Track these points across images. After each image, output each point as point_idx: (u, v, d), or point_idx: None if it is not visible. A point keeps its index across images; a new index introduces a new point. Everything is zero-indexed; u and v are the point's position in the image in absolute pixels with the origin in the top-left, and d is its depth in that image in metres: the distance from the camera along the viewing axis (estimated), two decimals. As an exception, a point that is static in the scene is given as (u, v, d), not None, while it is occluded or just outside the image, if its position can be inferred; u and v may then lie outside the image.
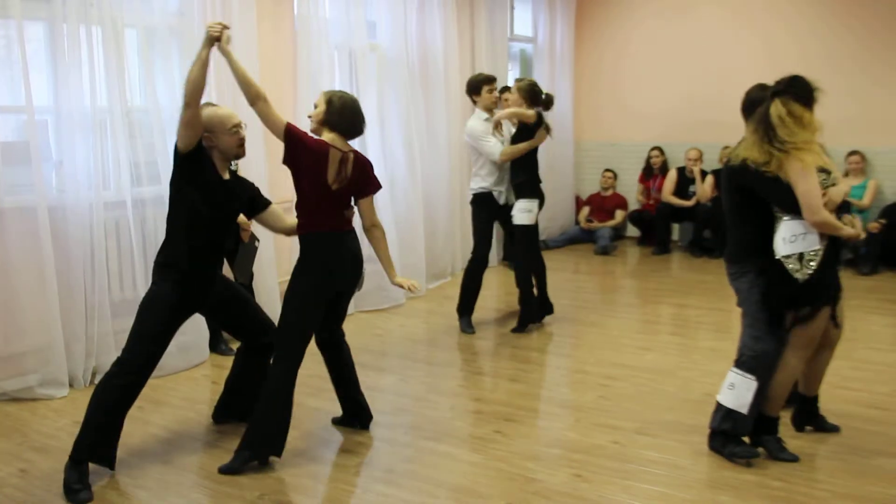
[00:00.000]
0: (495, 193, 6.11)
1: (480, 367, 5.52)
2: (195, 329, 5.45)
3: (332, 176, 3.90)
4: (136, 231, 5.27)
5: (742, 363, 3.89)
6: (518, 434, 4.32)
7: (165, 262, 3.86)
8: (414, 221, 7.40)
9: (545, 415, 4.64)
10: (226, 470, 3.81)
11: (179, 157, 3.80)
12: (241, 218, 4.79)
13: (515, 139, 6.03)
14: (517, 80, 6.26)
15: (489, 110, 6.16)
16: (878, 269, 8.03)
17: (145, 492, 3.68)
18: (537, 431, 4.38)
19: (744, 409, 3.86)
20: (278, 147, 5.92)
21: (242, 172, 5.74)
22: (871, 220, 8.18)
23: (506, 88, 8.64)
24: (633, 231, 10.04)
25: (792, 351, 3.88)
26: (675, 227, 9.72)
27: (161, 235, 5.34)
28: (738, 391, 3.86)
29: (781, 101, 3.70)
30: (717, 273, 8.17)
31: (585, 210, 10.07)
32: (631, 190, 10.03)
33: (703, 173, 9.22)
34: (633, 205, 9.98)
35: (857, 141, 8.42)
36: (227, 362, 5.46)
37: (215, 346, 5.64)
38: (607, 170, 10.11)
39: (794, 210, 3.70)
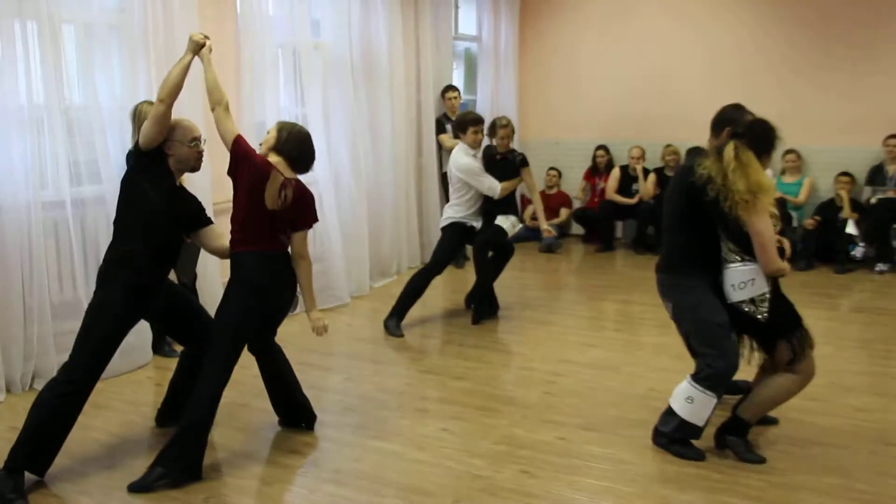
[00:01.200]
0: (472, 223, 6.35)
1: (427, 365, 5.53)
2: (138, 331, 5.35)
3: (271, 198, 3.87)
4: (76, 231, 5.16)
5: (702, 379, 3.87)
6: (465, 431, 4.34)
7: (120, 261, 3.75)
8: (359, 220, 7.38)
9: (491, 412, 4.67)
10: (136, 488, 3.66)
11: (140, 153, 3.74)
12: None
13: (490, 168, 6.29)
14: (504, 119, 6.50)
15: (473, 147, 6.32)
16: (813, 264, 8.24)
17: (88, 497, 3.61)
18: (484, 429, 4.40)
19: (701, 423, 3.91)
20: (222, 147, 5.86)
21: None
22: (807, 218, 8.40)
23: (450, 87, 8.71)
24: (577, 229, 10.15)
25: (800, 378, 3.87)
26: (619, 225, 9.84)
27: (101, 236, 5.30)
28: (696, 406, 3.87)
29: (735, 144, 3.74)
30: (660, 270, 8.31)
31: (530, 208, 10.14)
32: (576, 188, 10.12)
33: (646, 171, 9.36)
34: (577, 202, 10.07)
35: (793, 140, 8.60)
36: (171, 364, 5.38)
37: (159, 347, 5.56)
38: (552, 168, 10.19)
39: (742, 244, 3.74)
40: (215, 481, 3.75)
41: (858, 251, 8.13)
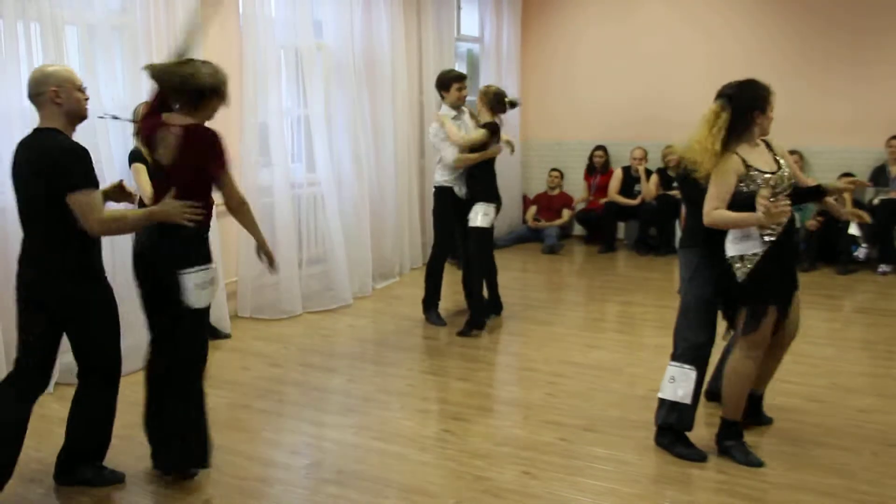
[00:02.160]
0: (455, 188, 6.24)
1: (429, 366, 5.53)
2: (139, 332, 5.36)
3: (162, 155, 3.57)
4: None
5: (679, 356, 3.99)
6: (467, 433, 4.34)
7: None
8: (361, 221, 7.38)
9: (493, 413, 4.67)
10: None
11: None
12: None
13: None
14: (486, 87, 6.39)
15: (456, 107, 6.25)
16: (816, 265, 8.23)
17: (88, 497, 3.62)
18: (486, 430, 4.41)
19: (687, 400, 3.95)
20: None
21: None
22: (810, 218, 8.39)
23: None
24: (579, 230, 10.15)
25: (742, 353, 3.88)
26: (621, 226, 9.84)
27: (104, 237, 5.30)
28: (678, 383, 3.95)
29: (718, 104, 3.83)
30: (663, 271, 8.33)
31: (533, 209, 10.14)
32: (578, 188, 10.13)
33: (648, 172, 9.36)
34: (581, 205, 10.06)
35: (795, 140, 8.62)
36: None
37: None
38: (554, 169, 10.19)
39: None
40: (216, 482, 3.76)
41: (861, 252, 8.12)
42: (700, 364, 3.96)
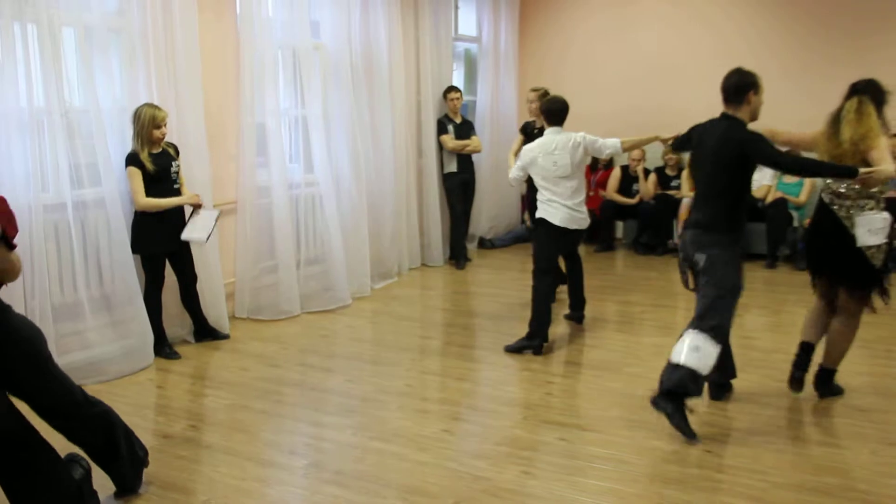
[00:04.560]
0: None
1: (428, 366, 5.53)
2: (139, 333, 5.38)
3: None
4: (77, 234, 5.18)
5: (710, 328, 4.12)
6: (466, 433, 4.34)
7: None
8: (359, 221, 7.39)
9: (492, 413, 4.67)
10: None
11: None
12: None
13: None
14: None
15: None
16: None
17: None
18: (485, 430, 4.40)
19: (706, 371, 4.09)
20: (222, 149, 5.90)
21: (186, 174, 5.70)
22: (808, 218, 8.38)
23: (452, 88, 8.72)
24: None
25: (853, 318, 4.47)
26: (619, 225, 9.84)
27: (102, 238, 5.33)
28: (702, 354, 4.08)
29: (860, 99, 4.36)
30: (661, 270, 8.33)
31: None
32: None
33: (646, 171, 9.37)
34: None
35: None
36: (173, 366, 5.43)
37: (160, 349, 5.56)
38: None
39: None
40: (216, 483, 3.76)
41: None
42: (725, 344, 4.24)
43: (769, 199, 8.53)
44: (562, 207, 5.70)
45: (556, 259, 5.96)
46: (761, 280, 7.85)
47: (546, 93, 7.09)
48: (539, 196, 5.82)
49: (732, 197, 4.27)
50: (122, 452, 3.54)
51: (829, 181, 4.39)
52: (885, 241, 4.22)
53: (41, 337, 3.24)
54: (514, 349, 5.68)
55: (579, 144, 5.73)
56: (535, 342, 5.66)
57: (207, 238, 5.60)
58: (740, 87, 4.26)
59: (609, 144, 5.80)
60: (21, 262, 3.15)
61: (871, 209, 4.26)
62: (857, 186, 4.22)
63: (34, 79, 4.90)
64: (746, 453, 4.00)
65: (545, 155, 5.73)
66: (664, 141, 5.71)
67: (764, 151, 4.13)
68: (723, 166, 4.23)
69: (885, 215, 4.25)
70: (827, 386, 4.65)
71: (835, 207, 4.32)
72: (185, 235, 5.56)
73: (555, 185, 5.71)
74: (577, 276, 6.29)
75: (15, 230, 3.12)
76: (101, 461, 3.55)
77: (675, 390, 4.08)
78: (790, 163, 4.26)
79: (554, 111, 5.88)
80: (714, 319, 4.14)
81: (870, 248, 4.22)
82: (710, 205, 4.31)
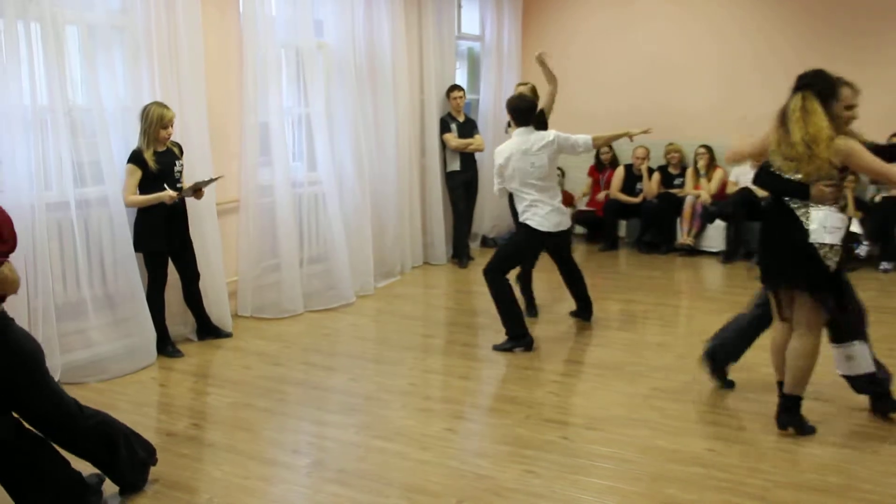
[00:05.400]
0: None
1: (431, 365, 5.53)
2: (141, 331, 5.38)
3: None
4: (80, 232, 5.18)
5: (845, 334, 4.24)
6: (468, 431, 4.34)
7: None
8: (362, 220, 7.38)
9: (495, 412, 4.67)
10: None
11: None
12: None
13: None
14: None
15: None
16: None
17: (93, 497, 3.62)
18: (487, 428, 4.40)
19: (872, 368, 4.28)
20: (225, 147, 5.90)
21: (188, 172, 5.70)
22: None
23: (455, 87, 8.71)
24: (580, 228, 10.13)
25: (811, 334, 4.10)
26: (623, 224, 9.83)
27: (105, 236, 5.33)
28: (859, 358, 4.26)
29: (802, 94, 3.99)
30: (663, 269, 8.33)
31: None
32: (578, 186, 10.12)
33: (650, 170, 9.36)
34: (582, 203, 10.04)
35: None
36: (176, 364, 5.44)
37: (163, 348, 5.56)
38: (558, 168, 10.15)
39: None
40: (219, 481, 3.76)
41: (862, 249, 8.11)
42: (859, 334, 4.28)
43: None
44: (549, 208, 5.64)
45: (519, 264, 5.92)
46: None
47: (534, 88, 7.03)
48: (519, 201, 5.73)
49: None
50: (121, 456, 3.54)
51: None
52: (839, 243, 3.94)
53: (41, 351, 3.29)
54: (504, 349, 5.68)
55: (553, 142, 5.65)
56: (521, 341, 5.66)
57: (210, 180, 5.60)
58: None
59: (581, 141, 5.70)
60: (16, 273, 3.19)
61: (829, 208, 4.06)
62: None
63: (38, 77, 4.91)
64: (750, 452, 4.00)
65: (521, 155, 5.62)
66: (631, 137, 5.66)
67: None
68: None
69: (843, 217, 4.02)
70: (792, 415, 4.19)
71: (794, 205, 4.02)
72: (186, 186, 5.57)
73: (533, 186, 5.63)
74: (578, 280, 6.24)
75: (11, 243, 3.17)
76: (102, 467, 3.57)
77: (884, 393, 4.38)
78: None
79: (522, 109, 5.72)
80: (841, 325, 4.24)
81: (823, 245, 3.90)
82: None
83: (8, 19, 4.72)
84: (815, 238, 3.92)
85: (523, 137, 5.66)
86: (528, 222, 5.68)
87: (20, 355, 3.15)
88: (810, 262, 3.95)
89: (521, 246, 5.82)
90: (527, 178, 5.63)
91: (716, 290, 7.73)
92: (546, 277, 8.33)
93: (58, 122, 4.98)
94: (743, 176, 8.53)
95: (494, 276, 5.69)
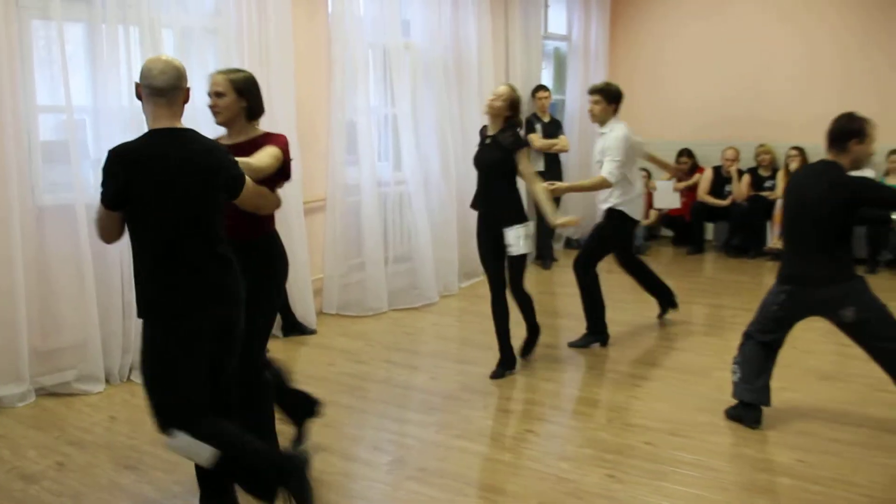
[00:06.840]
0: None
1: (513, 366, 5.50)
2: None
3: None
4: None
5: None
6: (550, 434, 4.31)
7: None
8: (448, 221, 7.41)
9: (577, 415, 4.63)
10: None
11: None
12: None
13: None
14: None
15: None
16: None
17: (180, 487, 3.72)
18: (569, 431, 4.36)
19: None
20: (313, 147, 5.96)
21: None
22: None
23: (540, 87, 8.66)
24: (667, 231, 9.96)
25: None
26: (710, 227, 9.61)
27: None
28: None
29: None
30: (752, 273, 8.11)
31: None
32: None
33: (740, 172, 9.12)
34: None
35: (893, 139, 8.27)
36: (261, 359, 5.53)
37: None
38: (642, 169, 9.99)
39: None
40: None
41: None
42: None
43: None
44: (638, 195, 5.75)
45: (609, 253, 5.94)
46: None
47: (513, 87, 6.52)
48: (626, 189, 5.65)
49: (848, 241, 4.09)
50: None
51: None
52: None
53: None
54: (579, 345, 5.74)
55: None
56: (598, 336, 5.76)
57: None
58: (841, 133, 4.03)
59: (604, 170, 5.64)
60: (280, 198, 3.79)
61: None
62: None
63: (135, 79, 5.05)
64: (842, 465, 3.85)
65: (635, 141, 5.71)
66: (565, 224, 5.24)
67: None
68: (828, 213, 3.99)
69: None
70: None
71: None
72: None
73: (635, 172, 5.70)
74: (646, 272, 6.28)
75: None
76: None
77: None
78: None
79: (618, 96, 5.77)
80: None
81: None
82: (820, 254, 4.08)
83: (110, 24, 4.90)
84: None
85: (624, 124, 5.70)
86: (624, 210, 5.69)
87: (285, 259, 3.74)
88: None
89: (620, 236, 5.86)
90: (635, 161, 5.72)
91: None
92: (629, 280, 8.22)
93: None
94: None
95: (588, 272, 5.77)
